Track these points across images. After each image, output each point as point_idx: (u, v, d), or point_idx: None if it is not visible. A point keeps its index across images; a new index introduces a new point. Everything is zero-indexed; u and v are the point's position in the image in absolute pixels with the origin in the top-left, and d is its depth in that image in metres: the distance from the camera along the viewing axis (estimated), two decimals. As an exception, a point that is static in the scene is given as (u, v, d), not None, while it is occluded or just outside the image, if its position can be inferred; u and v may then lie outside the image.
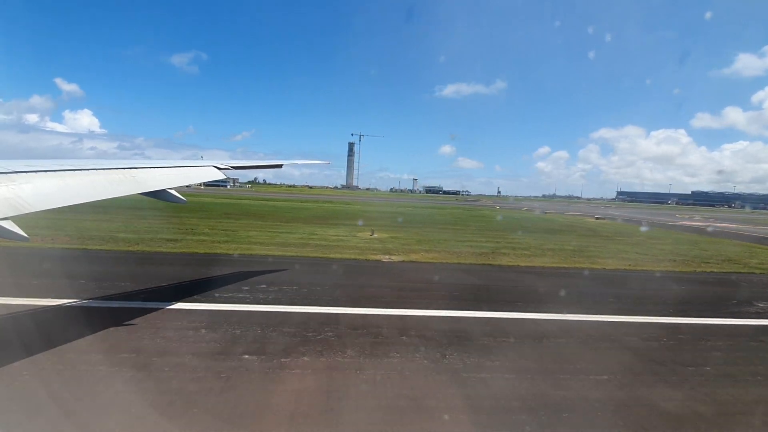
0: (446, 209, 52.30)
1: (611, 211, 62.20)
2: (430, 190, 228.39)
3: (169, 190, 6.20)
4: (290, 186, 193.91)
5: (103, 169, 5.31)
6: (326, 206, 43.82)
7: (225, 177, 8.08)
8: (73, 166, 4.99)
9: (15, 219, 3.90)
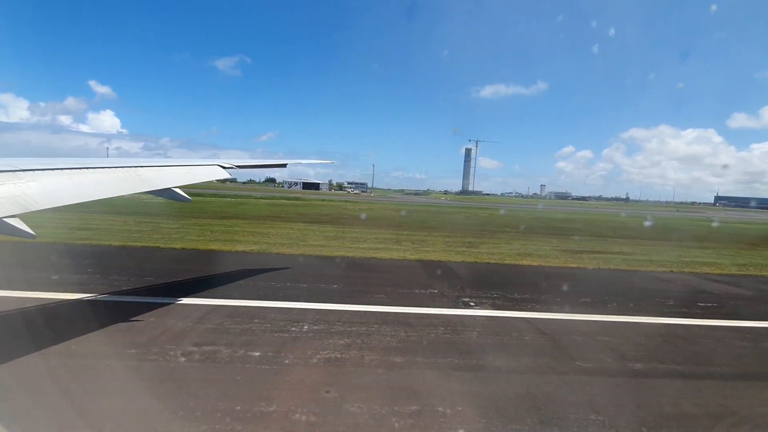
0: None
1: None
2: (559, 196, 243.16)
3: (174, 189, 6.19)
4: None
5: (109, 167, 5.31)
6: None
7: (229, 176, 8.05)
8: (80, 165, 4.98)
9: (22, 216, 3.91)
